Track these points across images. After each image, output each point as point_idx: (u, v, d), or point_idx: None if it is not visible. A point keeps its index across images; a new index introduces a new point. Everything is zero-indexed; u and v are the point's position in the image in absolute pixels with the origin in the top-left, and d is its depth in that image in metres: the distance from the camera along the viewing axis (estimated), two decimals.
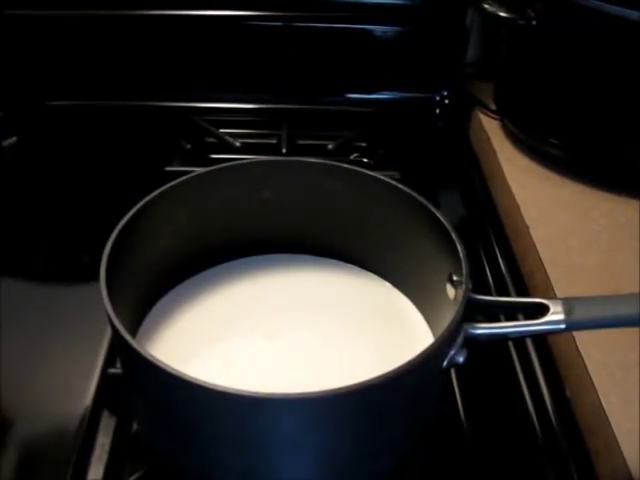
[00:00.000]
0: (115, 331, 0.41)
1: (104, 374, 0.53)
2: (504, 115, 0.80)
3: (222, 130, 0.82)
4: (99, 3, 0.82)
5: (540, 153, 0.74)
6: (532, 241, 0.63)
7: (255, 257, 0.57)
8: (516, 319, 0.52)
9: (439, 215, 0.49)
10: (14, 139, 0.81)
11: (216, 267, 0.58)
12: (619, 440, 0.46)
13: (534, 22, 0.68)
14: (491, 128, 0.80)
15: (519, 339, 0.58)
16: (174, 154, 0.80)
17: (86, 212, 0.72)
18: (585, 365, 0.51)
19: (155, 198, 0.51)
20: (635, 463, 0.45)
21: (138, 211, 0.50)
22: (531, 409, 0.54)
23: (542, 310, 0.44)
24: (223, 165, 0.55)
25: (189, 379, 0.38)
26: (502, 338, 0.47)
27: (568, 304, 0.44)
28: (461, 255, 0.46)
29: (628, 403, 0.48)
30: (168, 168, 0.75)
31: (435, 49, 0.85)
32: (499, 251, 0.69)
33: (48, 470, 0.49)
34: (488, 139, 0.78)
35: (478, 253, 0.69)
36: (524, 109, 0.77)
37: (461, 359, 0.44)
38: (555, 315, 0.43)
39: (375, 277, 0.57)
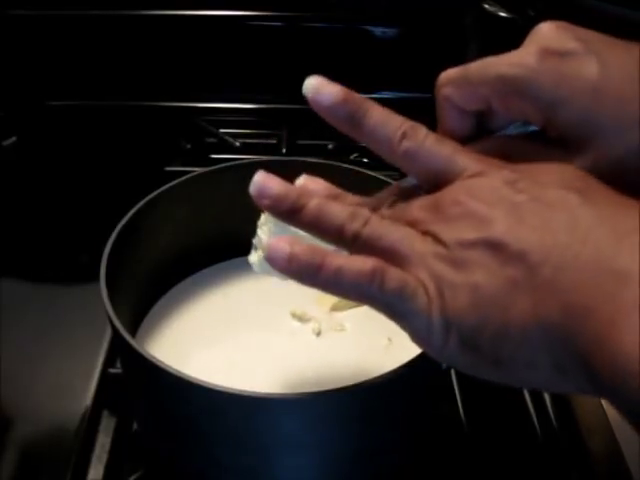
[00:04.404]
0: (115, 331, 0.41)
1: (104, 374, 0.53)
2: None
3: (222, 130, 0.82)
4: (99, 3, 0.82)
5: None
6: None
7: None
8: None
9: None
10: (14, 139, 0.81)
11: (216, 266, 0.58)
12: (619, 440, 0.46)
13: (534, 22, 0.68)
14: None
15: None
16: (174, 154, 0.80)
17: (86, 212, 0.72)
18: None
19: (155, 198, 0.51)
20: (635, 463, 0.45)
21: (138, 211, 0.50)
22: (531, 409, 0.54)
23: None
24: (223, 165, 0.55)
25: (189, 379, 0.38)
26: None
27: None
28: None
29: None
30: (168, 168, 0.75)
31: (435, 49, 0.85)
32: None
33: (48, 470, 0.49)
34: None
35: None
36: None
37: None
38: None
39: None
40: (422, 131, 0.34)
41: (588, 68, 0.31)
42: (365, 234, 0.32)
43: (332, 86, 0.35)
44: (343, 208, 0.33)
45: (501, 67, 0.33)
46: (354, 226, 0.32)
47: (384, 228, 0.32)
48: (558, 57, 0.32)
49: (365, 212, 0.33)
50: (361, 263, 0.30)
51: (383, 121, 0.34)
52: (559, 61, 0.32)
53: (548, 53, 0.32)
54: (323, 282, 0.31)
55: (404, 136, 0.34)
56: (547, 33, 0.33)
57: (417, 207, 0.33)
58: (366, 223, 0.32)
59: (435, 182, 0.33)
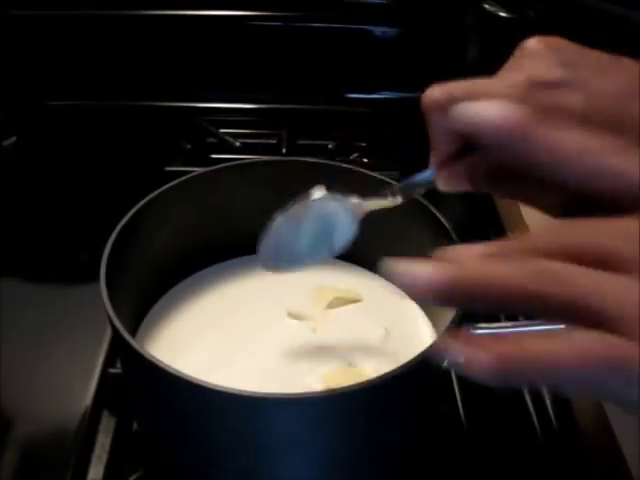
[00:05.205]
0: (115, 331, 0.41)
1: (104, 374, 0.53)
2: None
3: (222, 130, 0.82)
4: (100, 3, 0.82)
5: None
6: None
7: (255, 256, 0.57)
8: (516, 319, 0.52)
9: (439, 215, 0.49)
10: (14, 139, 0.81)
11: (216, 266, 0.58)
12: (619, 440, 0.46)
13: (534, 22, 0.68)
14: None
15: None
16: (174, 154, 0.80)
17: (86, 212, 0.72)
18: None
19: (155, 198, 0.51)
20: (635, 463, 0.45)
21: (138, 211, 0.50)
22: (531, 409, 0.54)
23: None
24: (223, 165, 0.55)
25: (189, 379, 0.38)
26: None
27: None
28: None
29: None
30: (168, 168, 0.75)
31: (435, 49, 0.85)
32: None
33: (48, 470, 0.49)
34: None
35: None
36: None
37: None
38: None
39: (376, 276, 0.57)
40: None
41: (573, 98, 0.30)
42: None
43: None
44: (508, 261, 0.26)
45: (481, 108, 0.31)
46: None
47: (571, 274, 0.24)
48: (543, 89, 0.31)
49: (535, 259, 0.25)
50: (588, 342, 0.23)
51: None
52: (543, 94, 0.31)
53: (533, 86, 0.31)
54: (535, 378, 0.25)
55: None
56: (534, 53, 0.32)
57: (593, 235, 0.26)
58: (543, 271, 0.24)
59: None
